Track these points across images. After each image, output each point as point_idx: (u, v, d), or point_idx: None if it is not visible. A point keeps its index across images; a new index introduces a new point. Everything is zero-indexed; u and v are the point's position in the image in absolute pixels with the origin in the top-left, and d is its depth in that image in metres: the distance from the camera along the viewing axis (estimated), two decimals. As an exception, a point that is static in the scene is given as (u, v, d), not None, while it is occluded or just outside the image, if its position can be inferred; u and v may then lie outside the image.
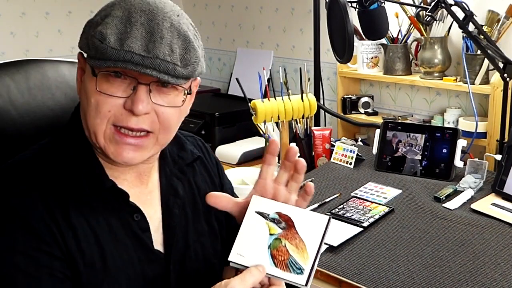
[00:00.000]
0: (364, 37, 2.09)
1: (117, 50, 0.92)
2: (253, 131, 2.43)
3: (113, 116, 0.97)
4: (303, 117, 2.20)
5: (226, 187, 1.25)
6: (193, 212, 1.14)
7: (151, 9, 0.96)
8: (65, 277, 0.96)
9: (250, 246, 0.97)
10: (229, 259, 0.96)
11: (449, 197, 1.77)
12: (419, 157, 1.94)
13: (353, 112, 2.54)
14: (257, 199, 1.00)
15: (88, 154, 1.02)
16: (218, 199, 1.01)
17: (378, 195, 1.82)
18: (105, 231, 1.00)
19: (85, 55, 0.99)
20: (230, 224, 1.23)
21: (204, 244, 1.13)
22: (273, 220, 0.98)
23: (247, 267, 0.94)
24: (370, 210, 1.72)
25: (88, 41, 0.95)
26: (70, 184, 0.99)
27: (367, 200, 1.79)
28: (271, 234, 0.97)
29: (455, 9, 1.87)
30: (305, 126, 2.22)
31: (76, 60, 1.04)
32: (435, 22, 2.18)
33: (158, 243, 1.07)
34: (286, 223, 0.98)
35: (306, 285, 0.94)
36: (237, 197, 1.25)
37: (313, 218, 0.98)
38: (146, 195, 1.08)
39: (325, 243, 1.56)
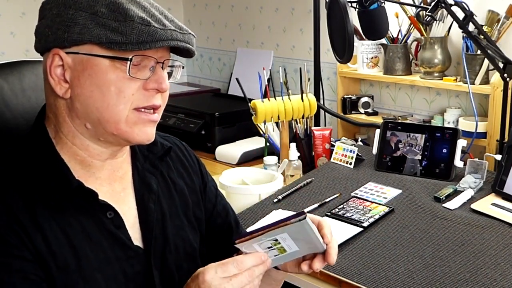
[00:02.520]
0: (364, 37, 2.09)
1: (165, 30, 0.97)
2: (253, 131, 2.43)
3: (136, 99, 0.99)
4: (303, 117, 2.20)
5: (209, 184, 1.26)
6: (170, 206, 1.14)
7: None
8: (40, 279, 0.96)
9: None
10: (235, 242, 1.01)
11: (449, 197, 1.77)
12: (419, 157, 1.94)
13: (353, 112, 2.54)
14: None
15: (52, 156, 1.02)
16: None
17: (378, 195, 1.82)
18: (78, 231, 1.00)
19: (91, 46, 0.96)
20: (215, 223, 1.24)
21: (184, 238, 1.14)
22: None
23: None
24: (370, 210, 1.72)
25: (117, 28, 0.95)
26: (36, 187, 0.99)
27: (367, 200, 1.79)
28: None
29: (455, 9, 1.87)
30: (305, 126, 2.22)
31: None
32: (435, 22, 2.18)
33: (136, 239, 1.07)
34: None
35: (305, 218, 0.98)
36: (221, 193, 1.31)
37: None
38: (119, 192, 1.08)
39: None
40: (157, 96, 1.02)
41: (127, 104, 0.99)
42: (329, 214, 1.73)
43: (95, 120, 1.00)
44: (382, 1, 1.91)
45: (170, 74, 1.06)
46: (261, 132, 2.22)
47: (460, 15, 1.87)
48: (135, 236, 1.07)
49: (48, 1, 1.02)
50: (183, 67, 1.09)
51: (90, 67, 0.98)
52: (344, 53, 1.96)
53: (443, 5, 1.85)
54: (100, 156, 1.05)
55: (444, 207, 1.72)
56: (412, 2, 2.20)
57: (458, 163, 1.88)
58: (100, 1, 0.97)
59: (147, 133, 1.03)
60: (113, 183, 1.08)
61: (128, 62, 0.97)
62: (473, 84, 2.13)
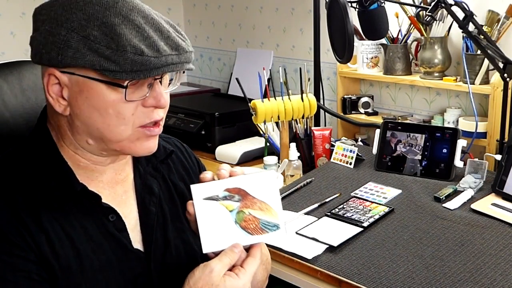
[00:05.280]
0: (364, 37, 2.09)
1: (159, 57, 0.94)
2: (253, 131, 2.43)
3: (136, 118, 0.99)
4: (303, 117, 2.20)
5: None
6: (171, 210, 1.14)
7: (133, 5, 0.96)
8: (43, 279, 0.96)
9: (217, 231, 0.98)
10: (203, 251, 0.98)
11: (449, 197, 1.77)
12: (419, 157, 1.94)
13: (353, 112, 2.54)
14: (197, 187, 1.00)
15: (56, 158, 1.02)
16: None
17: (378, 195, 1.82)
18: (80, 233, 1.00)
19: (86, 70, 0.94)
20: None
21: (185, 241, 1.14)
22: (225, 198, 0.99)
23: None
24: (370, 210, 1.72)
25: (109, 56, 0.92)
26: (39, 189, 0.99)
27: (367, 200, 1.79)
28: (231, 211, 0.99)
29: (455, 9, 1.87)
30: (305, 126, 2.22)
31: None
32: (435, 22, 2.18)
33: (137, 242, 1.07)
34: (238, 194, 1.00)
35: (285, 235, 0.99)
36: None
37: (261, 178, 1.00)
38: (120, 195, 1.09)
39: (325, 243, 1.57)
40: (157, 111, 1.01)
41: (128, 125, 0.98)
42: (329, 214, 1.73)
43: (97, 138, 1.00)
44: (382, 1, 1.91)
45: (171, 81, 1.05)
46: (261, 132, 2.22)
47: (460, 15, 1.87)
48: (136, 239, 1.07)
49: (40, 11, 0.99)
50: (183, 72, 1.07)
51: (87, 90, 0.96)
52: (344, 53, 1.95)
53: (443, 5, 1.85)
54: (102, 163, 1.06)
55: (444, 207, 1.72)
56: (412, 2, 2.20)
57: (458, 163, 1.88)
58: (91, 22, 0.93)
59: (149, 147, 1.03)
60: (114, 186, 1.08)
61: (124, 90, 0.95)
62: (473, 84, 2.13)
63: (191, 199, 1.06)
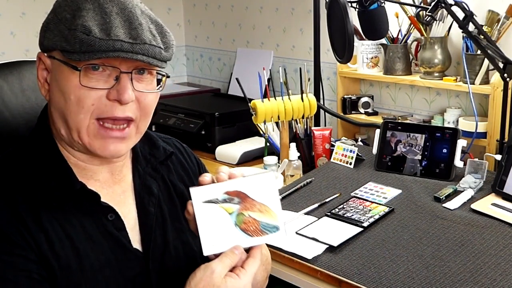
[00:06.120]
0: (364, 37, 2.09)
1: (106, 40, 0.93)
2: (253, 131, 2.43)
3: (96, 109, 0.97)
4: (303, 117, 2.20)
5: None
6: (170, 210, 1.14)
7: None
8: (43, 278, 0.96)
9: (217, 234, 0.99)
10: (204, 254, 0.99)
11: (449, 197, 1.77)
12: (419, 157, 1.94)
13: (353, 112, 2.54)
14: (196, 190, 1.00)
15: (56, 157, 1.02)
16: None
17: (378, 195, 1.82)
18: (80, 232, 1.00)
19: (57, 53, 0.97)
20: None
21: (184, 242, 1.14)
22: (225, 201, 1.00)
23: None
24: (370, 210, 1.72)
25: (67, 36, 0.94)
26: (39, 188, 0.99)
27: (367, 200, 1.79)
28: (230, 214, 1.00)
29: (455, 9, 1.87)
30: (305, 126, 2.22)
31: None
32: (435, 22, 2.18)
33: (135, 241, 1.07)
34: (238, 197, 1.00)
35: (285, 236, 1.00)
36: None
37: (260, 180, 1.01)
38: (119, 195, 1.09)
39: (325, 243, 1.57)
40: (120, 108, 0.98)
41: (87, 114, 0.97)
42: (329, 214, 1.73)
43: (65, 127, 1.00)
44: (382, 1, 1.91)
45: (159, 82, 1.05)
46: (261, 132, 2.22)
47: (460, 15, 1.87)
48: (135, 238, 1.07)
49: (55, 3, 1.04)
50: (168, 76, 1.06)
51: (58, 73, 0.98)
52: (344, 53, 1.95)
53: (443, 5, 1.85)
54: (91, 161, 1.05)
55: (444, 207, 1.72)
56: (412, 2, 2.20)
57: (458, 163, 1.88)
58: (70, 7, 0.97)
59: (109, 149, 1.01)
60: (112, 186, 1.08)
61: (79, 73, 0.95)
62: (473, 84, 2.13)
63: (191, 199, 1.06)
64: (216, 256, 0.99)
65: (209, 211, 0.99)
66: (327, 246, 1.56)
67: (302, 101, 2.17)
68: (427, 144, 1.94)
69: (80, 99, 0.96)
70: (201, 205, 0.99)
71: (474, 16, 1.87)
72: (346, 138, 2.25)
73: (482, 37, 1.91)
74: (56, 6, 1.00)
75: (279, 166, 2.10)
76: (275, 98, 2.16)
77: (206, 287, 0.95)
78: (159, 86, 1.04)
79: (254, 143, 2.47)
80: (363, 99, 2.53)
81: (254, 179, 1.01)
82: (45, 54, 1.01)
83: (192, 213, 1.00)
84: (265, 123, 2.16)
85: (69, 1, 0.98)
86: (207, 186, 1.00)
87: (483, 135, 2.12)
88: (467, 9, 1.87)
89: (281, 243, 1.01)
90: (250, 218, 1.00)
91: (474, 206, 1.70)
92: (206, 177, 1.02)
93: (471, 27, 1.89)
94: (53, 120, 1.03)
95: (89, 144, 1.00)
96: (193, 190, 0.99)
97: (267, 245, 1.22)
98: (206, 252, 0.99)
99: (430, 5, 1.88)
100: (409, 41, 2.33)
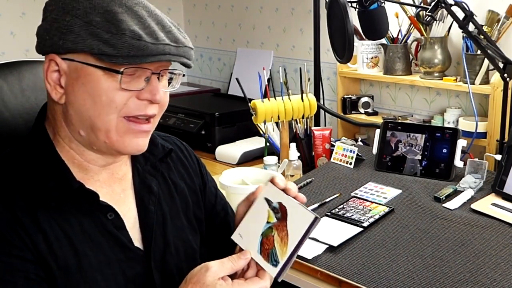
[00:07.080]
0: (364, 37, 2.09)
1: (156, 44, 0.95)
2: (253, 131, 2.43)
3: (125, 108, 0.99)
4: (303, 117, 2.20)
5: (209, 184, 1.26)
6: (171, 208, 1.14)
7: (138, 0, 0.99)
8: (41, 279, 0.96)
9: (249, 230, 1.03)
10: (231, 237, 1.05)
11: (449, 197, 1.77)
12: (419, 157, 1.94)
13: (353, 112, 2.54)
14: (269, 186, 1.04)
15: (53, 157, 1.02)
16: None
17: (378, 195, 1.82)
18: (78, 232, 1.00)
19: (85, 55, 0.96)
20: (214, 223, 1.24)
21: (185, 240, 1.14)
22: (273, 209, 1.02)
23: (242, 249, 1.02)
24: (370, 210, 1.72)
25: (108, 40, 0.94)
26: (37, 189, 0.99)
27: (367, 200, 1.79)
28: (267, 222, 1.02)
29: (455, 9, 1.87)
30: (305, 126, 2.22)
31: None
32: (435, 22, 2.18)
33: (136, 240, 1.07)
34: (281, 214, 1.02)
35: (277, 278, 1.00)
36: (221, 193, 1.31)
37: (302, 215, 1.01)
38: (119, 193, 1.08)
39: (325, 243, 1.57)
40: (151, 106, 1.00)
41: (116, 114, 0.98)
42: (329, 214, 1.73)
43: (88, 127, 1.00)
44: (382, 1, 1.91)
45: (170, 81, 1.06)
46: (261, 132, 2.22)
47: (460, 15, 1.87)
48: (135, 237, 1.07)
49: (50, 3, 1.02)
50: (183, 75, 1.08)
51: (84, 76, 0.97)
52: (344, 53, 1.96)
53: (443, 5, 1.85)
54: (96, 161, 1.05)
55: (444, 207, 1.72)
56: (412, 2, 2.20)
57: (458, 163, 1.88)
58: (96, 9, 0.95)
59: (138, 144, 1.02)
60: (112, 185, 1.08)
61: (120, 75, 0.96)
62: (473, 84, 2.13)
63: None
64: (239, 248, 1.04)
65: (261, 208, 1.03)
66: (327, 246, 1.56)
67: (302, 101, 2.17)
68: (427, 144, 1.94)
69: (112, 99, 0.97)
70: (261, 199, 1.03)
71: (474, 16, 1.87)
72: (346, 138, 2.25)
73: (482, 37, 1.91)
74: (68, 8, 0.97)
75: (279, 166, 2.10)
76: (275, 98, 2.16)
77: (197, 283, 0.96)
78: (171, 84, 1.06)
79: (254, 143, 2.47)
80: (363, 99, 2.53)
81: (300, 211, 1.01)
82: (60, 57, 0.98)
83: (254, 199, 1.05)
84: (265, 123, 2.16)
85: (85, 3, 0.96)
86: (277, 189, 1.03)
87: (483, 135, 2.12)
88: (467, 9, 1.87)
89: (269, 277, 1.02)
90: (272, 238, 1.01)
91: (474, 206, 1.70)
92: (280, 181, 1.04)
93: (471, 27, 1.89)
94: (67, 120, 1.02)
95: (117, 142, 1.00)
96: (267, 185, 1.03)
97: None
98: (233, 237, 1.05)
99: (430, 5, 1.88)
100: (409, 41, 2.33)
